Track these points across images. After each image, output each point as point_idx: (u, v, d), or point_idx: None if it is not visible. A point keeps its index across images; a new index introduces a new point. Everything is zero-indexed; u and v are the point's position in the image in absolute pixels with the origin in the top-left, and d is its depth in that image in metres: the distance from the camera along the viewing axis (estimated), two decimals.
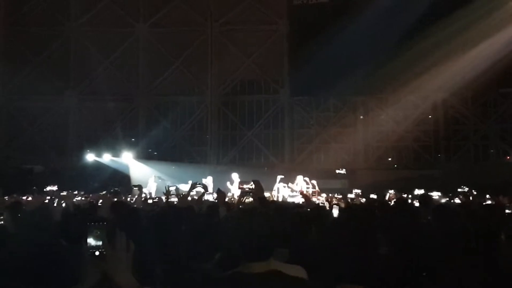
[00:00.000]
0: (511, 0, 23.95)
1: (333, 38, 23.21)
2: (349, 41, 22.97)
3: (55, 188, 16.88)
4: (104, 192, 16.54)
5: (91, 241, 2.81)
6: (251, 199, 8.05)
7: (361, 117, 26.58)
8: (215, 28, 27.00)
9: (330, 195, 16.27)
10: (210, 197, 14.14)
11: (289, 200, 11.90)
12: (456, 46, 23.18)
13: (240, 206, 7.78)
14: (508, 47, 23.31)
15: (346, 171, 23.15)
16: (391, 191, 15.22)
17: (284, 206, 7.30)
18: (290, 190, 18.12)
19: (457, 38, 23.15)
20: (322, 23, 24.86)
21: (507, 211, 7.85)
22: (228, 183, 18.80)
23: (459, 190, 12.89)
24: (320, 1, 25.81)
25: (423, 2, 23.43)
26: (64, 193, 15.21)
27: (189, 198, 8.33)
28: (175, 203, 8.80)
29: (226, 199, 12.24)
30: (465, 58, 23.16)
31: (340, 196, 13.39)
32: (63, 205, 9.07)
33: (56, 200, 9.86)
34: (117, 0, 27.37)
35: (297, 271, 3.20)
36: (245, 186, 6.66)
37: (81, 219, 4.36)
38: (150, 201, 11.72)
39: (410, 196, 14.73)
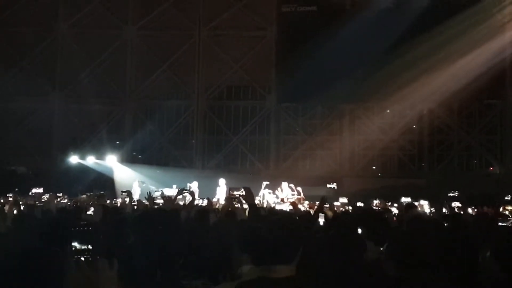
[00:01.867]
0: (496, 14, 24.23)
1: (321, 45, 23.34)
2: (337, 49, 23.07)
3: (40, 190, 16.79)
4: (88, 195, 16.42)
5: (76, 246, 2.76)
6: (238, 205, 8.03)
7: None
8: (203, 33, 26.96)
9: (318, 202, 16.29)
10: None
11: (277, 207, 11.91)
12: (443, 57, 23.41)
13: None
14: (493, 59, 23.57)
15: (336, 185, 23.02)
16: (377, 201, 15.27)
17: (272, 214, 7.31)
18: (275, 197, 18.14)
19: (443, 50, 23.40)
20: (310, 30, 24.98)
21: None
22: (217, 189, 18.85)
23: (449, 195, 12.92)
24: (309, 9, 25.88)
25: (411, 13, 23.62)
26: (47, 195, 15.09)
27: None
28: (160, 205, 8.74)
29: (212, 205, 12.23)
30: (451, 69, 23.37)
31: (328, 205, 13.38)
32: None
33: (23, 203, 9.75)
34: (105, 3, 27.20)
35: None
36: (235, 192, 6.62)
37: (66, 223, 4.32)
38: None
39: (396, 204, 14.79)
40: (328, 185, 22.60)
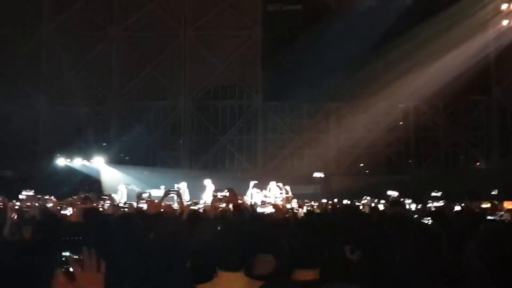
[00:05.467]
0: (480, 10, 24.41)
1: (306, 44, 23.42)
2: (322, 48, 23.17)
3: (31, 193, 16.59)
4: (73, 198, 16.28)
5: (66, 256, 2.71)
6: (223, 205, 8.02)
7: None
8: (189, 33, 26.89)
9: (306, 200, 16.36)
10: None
11: (259, 210, 11.93)
12: (428, 54, 23.53)
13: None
14: (478, 55, 23.76)
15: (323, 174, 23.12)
16: (365, 200, 15.29)
17: (257, 215, 7.35)
18: (263, 197, 18.12)
19: (428, 47, 23.52)
20: (296, 29, 25.03)
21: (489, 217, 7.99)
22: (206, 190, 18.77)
23: (432, 194, 12.94)
24: (294, 8, 25.92)
25: (396, 11, 23.73)
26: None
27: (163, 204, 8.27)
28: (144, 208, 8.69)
29: (200, 207, 12.21)
30: (436, 66, 23.51)
31: (317, 203, 13.46)
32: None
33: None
34: (90, 3, 27.05)
35: None
36: (219, 194, 6.63)
37: (48, 231, 4.27)
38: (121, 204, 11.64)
39: (382, 201, 14.85)
40: (315, 174, 22.65)
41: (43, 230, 4.45)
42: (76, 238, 2.75)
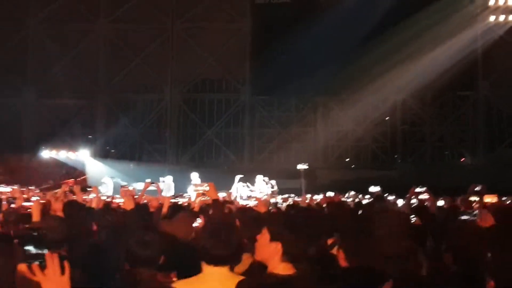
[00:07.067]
0: (468, 5, 24.50)
1: (295, 38, 23.36)
2: (311, 42, 23.14)
3: (16, 187, 16.52)
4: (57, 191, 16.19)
5: (30, 249, 2.64)
6: (207, 198, 7.98)
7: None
8: (177, 26, 26.74)
9: (292, 195, 16.38)
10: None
11: (241, 203, 11.94)
12: (415, 49, 23.56)
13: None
14: (465, 50, 23.84)
15: (308, 166, 23.06)
16: (350, 195, 15.34)
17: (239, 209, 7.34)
18: (249, 191, 18.17)
19: (416, 41, 23.54)
20: (284, 23, 24.97)
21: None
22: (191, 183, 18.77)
23: (416, 190, 12.96)
24: (283, 1, 25.87)
25: (384, 6, 23.72)
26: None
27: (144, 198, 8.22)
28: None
29: (185, 200, 12.18)
30: (424, 60, 23.58)
31: (301, 198, 13.46)
32: None
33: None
34: None
35: None
36: (199, 188, 6.62)
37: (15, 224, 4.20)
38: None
39: (367, 196, 14.88)
40: (299, 166, 22.60)
41: (13, 222, 4.38)
42: (40, 232, 2.67)
